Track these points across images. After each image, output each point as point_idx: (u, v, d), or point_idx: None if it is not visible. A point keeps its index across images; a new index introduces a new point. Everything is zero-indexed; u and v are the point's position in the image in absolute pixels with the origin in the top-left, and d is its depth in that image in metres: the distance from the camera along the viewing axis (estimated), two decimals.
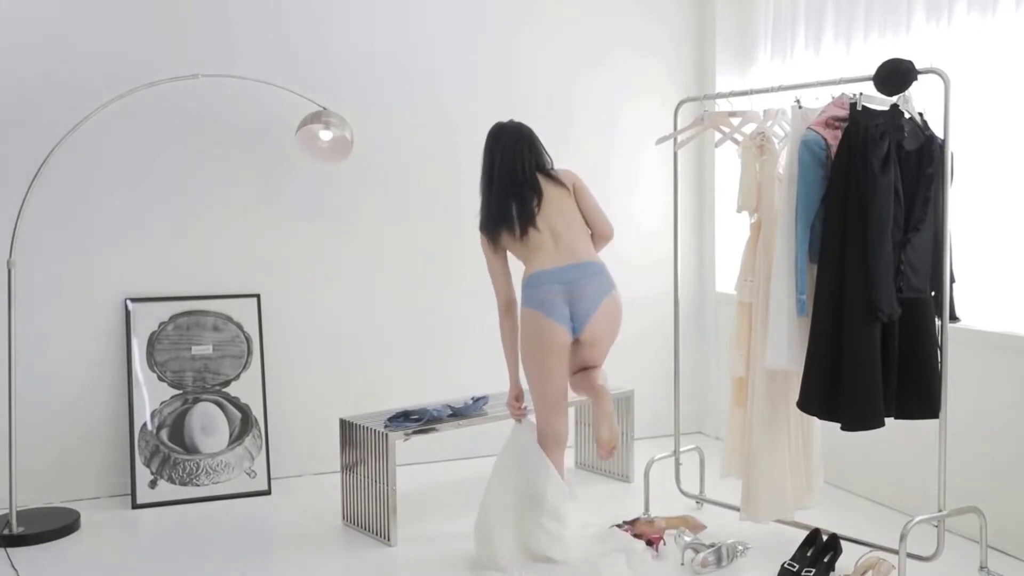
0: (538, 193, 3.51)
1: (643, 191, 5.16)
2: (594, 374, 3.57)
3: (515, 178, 3.50)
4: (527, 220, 3.47)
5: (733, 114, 3.78)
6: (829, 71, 4.18)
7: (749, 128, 3.70)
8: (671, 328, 4.14)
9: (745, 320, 3.61)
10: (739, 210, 3.64)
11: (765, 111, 3.66)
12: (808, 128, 3.28)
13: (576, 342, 3.47)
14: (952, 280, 3.28)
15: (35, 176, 3.85)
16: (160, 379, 4.31)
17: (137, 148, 4.32)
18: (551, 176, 3.57)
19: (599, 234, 3.62)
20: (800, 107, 3.42)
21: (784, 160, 3.48)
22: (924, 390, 3.20)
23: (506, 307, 3.57)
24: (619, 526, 3.74)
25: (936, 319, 3.22)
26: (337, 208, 4.64)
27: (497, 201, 3.51)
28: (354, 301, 4.70)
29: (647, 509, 3.94)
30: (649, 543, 3.61)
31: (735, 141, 3.77)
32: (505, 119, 3.63)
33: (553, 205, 3.51)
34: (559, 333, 3.40)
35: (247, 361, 4.45)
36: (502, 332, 3.59)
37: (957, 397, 3.35)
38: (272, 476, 4.43)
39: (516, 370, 3.60)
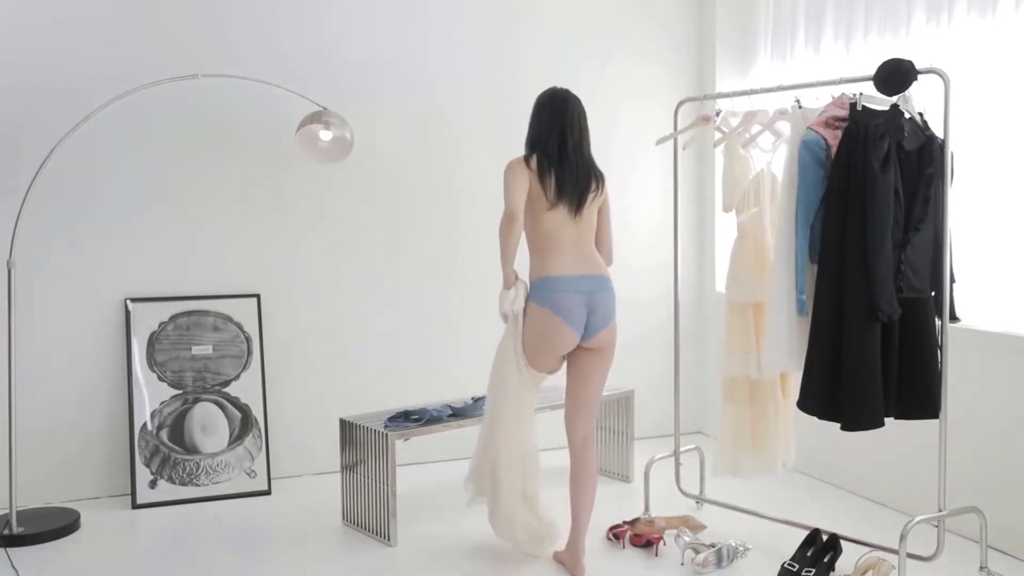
0: (597, 184, 3.39)
1: (643, 192, 5.16)
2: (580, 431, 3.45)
3: (582, 155, 3.37)
4: (582, 203, 3.34)
5: (734, 114, 3.78)
6: (829, 71, 4.18)
7: (753, 129, 3.70)
8: (671, 328, 4.13)
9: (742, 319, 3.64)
10: (726, 210, 3.68)
11: (745, 113, 3.69)
12: (808, 128, 3.28)
13: (579, 350, 3.40)
14: (952, 280, 3.28)
15: (35, 176, 3.85)
16: (160, 379, 4.31)
17: (137, 148, 4.31)
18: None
19: (603, 254, 3.47)
20: (800, 107, 3.42)
21: (784, 160, 3.48)
22: (924, 390, 3.20)
23: (511, 217, 3.29)
24: (619, 526, 3.74)
25: (936, 319, 3.22)
26: (337, 208, 4.64)
27: (569, 165, 3.32)
28: (354, 301, 4.69)
29: (647, 509, 3.94)
30: (649, 543, 3.61)
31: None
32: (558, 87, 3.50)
33: (593, 206, 3.41)
34: (570, 335, 3.33)
35: (247, 361, 4.45)
36: (501, 233, 3.30)
37: (957, 397, 3.34)
38: (272, 476, 4.43)
39: (511, 266, 3.37)
